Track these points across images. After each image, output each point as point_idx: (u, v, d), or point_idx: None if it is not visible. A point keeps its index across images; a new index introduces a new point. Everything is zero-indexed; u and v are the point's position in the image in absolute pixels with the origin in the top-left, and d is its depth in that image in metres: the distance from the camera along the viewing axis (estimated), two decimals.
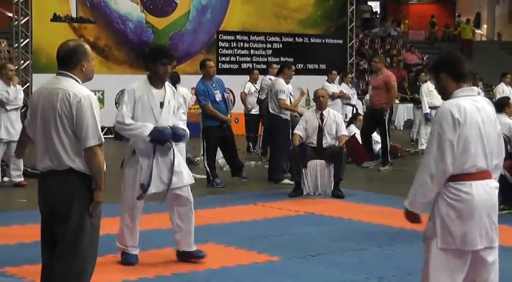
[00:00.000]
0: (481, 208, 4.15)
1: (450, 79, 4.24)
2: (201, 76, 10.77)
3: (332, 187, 10.03)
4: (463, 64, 4.32)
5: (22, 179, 10.59)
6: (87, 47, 4.53)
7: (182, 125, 6.51)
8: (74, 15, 18.24)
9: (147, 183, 6.18)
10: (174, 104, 6.40)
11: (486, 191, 4.17)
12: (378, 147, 14.03)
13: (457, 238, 4.13)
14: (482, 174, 4.18)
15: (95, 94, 19.30)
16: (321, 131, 10.16)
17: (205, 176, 10.85)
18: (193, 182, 6.51)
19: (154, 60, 6.28)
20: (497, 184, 4.29)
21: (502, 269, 6.29)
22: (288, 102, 11.24)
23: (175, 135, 6.30)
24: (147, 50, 6.55)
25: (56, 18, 17.96)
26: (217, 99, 10.67)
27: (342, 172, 10.04)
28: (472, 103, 4.18)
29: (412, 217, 4.25)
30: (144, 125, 6.17)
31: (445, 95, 4.28)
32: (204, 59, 11.25)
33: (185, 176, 6.32)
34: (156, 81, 6.32)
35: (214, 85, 10.71)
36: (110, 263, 6.34)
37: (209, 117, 10.71)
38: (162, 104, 6.28)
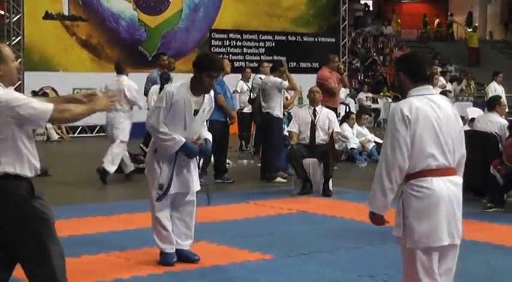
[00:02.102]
0: (444, 203, 4.12)
1: (408, 79, 4.26)
2: None
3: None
4: (424, 66, 4.31)
5: None
6: (6, 49, 4.37)
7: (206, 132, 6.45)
8: (66, 13, 18.19)
9: (167, 185, 6.09)
10: (208, 110, 6.29)
11: (448, 186, 4.15)
12: (370, 145, 14.07)
13: (423, 236, 4.11)
14: (443, 171, 4.16)
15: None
16: (313, 126, 10.15)
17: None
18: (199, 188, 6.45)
19: (201, 70, 6.06)
20: (461, 180, 4.25)
21: (493, 267, 6.34)
22: (283, 98, 11.29)
23: (202, 153, 6.29)
24: (198, 57, 6.31)
25: (47, 16, 17.91)
26: (228, 95, 10.87)
27: (331, 170, 10.03)
28: (426, 102, 4.19)
29: (375, 218, 4.23)
30: (174, 140, 6.02)
31: (403, 92, 4.32)
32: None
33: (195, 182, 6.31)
34: (197, 90, 6.11)
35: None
36: (103, 262, 6.33)
37: (218, 108, 10.69)
38: (196, 112, 6.13)
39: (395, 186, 4.12)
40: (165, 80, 11.62)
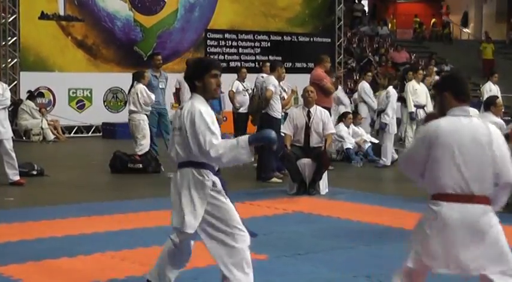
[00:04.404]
0: (452, 229, 4.09)
1: (453, 98, 4.29)
2: None
3: (320, 186, 10.04)
4: (467, 85, 4.44)
5: (19, 177, 10.35)
6: None
7: None
8: (61, 13, 18.19)
9: None
10: None
11: (460, 212, 4.09)
12: (366, 145, 14.07)
13: (423, 256, 4.17)
14: (458, 197, 4.12)
15: (83, 92, 19.32)
16: (307, 129, 10.12)
17: None
18: None
19: (203, 73, 5.03)
20: (482, 210, 4.12)
21: None
22: (278, 98, 11.26)
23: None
24: (190, 66, 5.28)
25: (43, 16, 17.92)
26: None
27: (322, 173, 9.99)
28: (454, 124, 4.21)
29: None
30: (233, 143, 5.07)
31: (443, 111, 4.33)
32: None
33: None
34: (209, 98, 5.10)
35: None
36: (98, 262, 6.32)
37: None
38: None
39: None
40: (138, 78, 11.91)
